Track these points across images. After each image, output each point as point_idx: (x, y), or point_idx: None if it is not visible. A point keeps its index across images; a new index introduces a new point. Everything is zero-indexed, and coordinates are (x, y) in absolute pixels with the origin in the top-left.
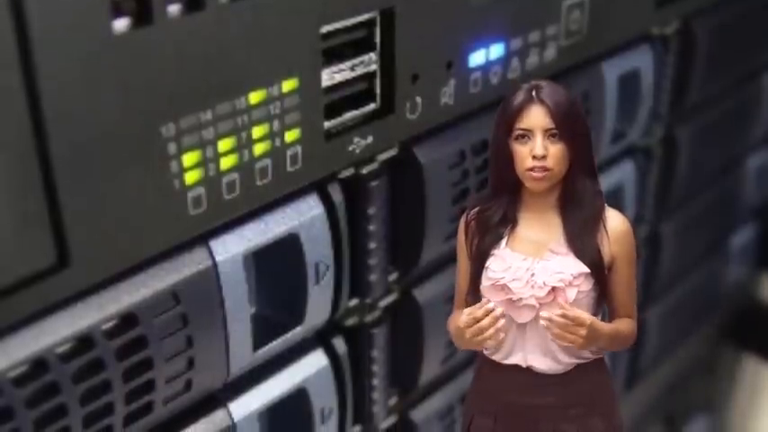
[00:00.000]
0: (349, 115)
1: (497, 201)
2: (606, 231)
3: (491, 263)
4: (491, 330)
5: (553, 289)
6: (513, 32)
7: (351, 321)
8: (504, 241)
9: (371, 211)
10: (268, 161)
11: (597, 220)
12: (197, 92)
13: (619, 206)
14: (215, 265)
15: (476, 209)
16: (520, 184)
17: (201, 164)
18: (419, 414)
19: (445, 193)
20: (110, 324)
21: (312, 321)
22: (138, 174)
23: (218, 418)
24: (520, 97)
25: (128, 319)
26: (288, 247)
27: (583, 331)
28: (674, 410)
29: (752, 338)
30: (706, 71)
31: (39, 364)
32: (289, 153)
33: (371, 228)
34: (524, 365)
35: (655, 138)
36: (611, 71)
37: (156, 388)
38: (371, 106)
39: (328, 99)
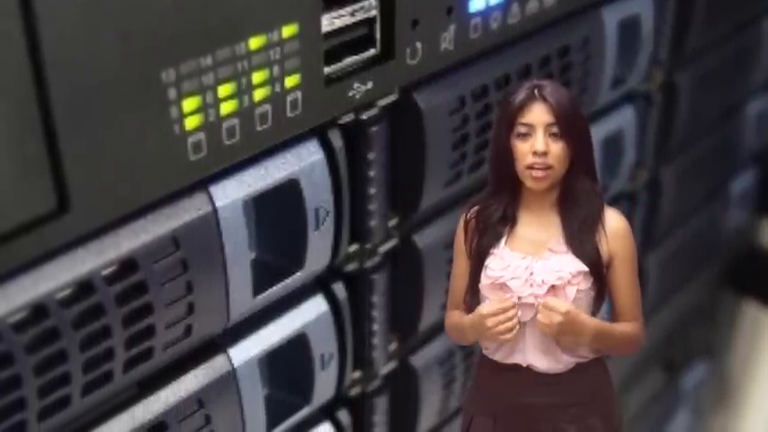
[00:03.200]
0: (349, 61)
1: (497, 199)
2: (604, 230)
3: (490, 262)
4: (515, 320)
5: (552, 287)
6: None
7: (351, 267)
8: (503, 240)
9: (371, 156)
10: (268, 107)
11: (596, 219)
12: (197, 37)
13: (619, 151)
14: (215, 210)
15: (475, 208)
16: (519, 182)
17: (201, 109)
18: (419, 359)
19: (445, 139)
20: (110, 269)
21: (312, 267)
22: (138, 119)
23: (218, 363)
24: (521, 95)
25: (128, 265)
26: (288, 192)
27: (557, 318)
28: (674, 357)
29: (752, 284)
30: (706, 16)
31: (38, 310)
32: (289, 99)
33: (371, 173)
34: (524, 365)
35: (655, 83)
36: (611, 16)
37: (156, 333)
38: (371, 52)
39: (328, 44)
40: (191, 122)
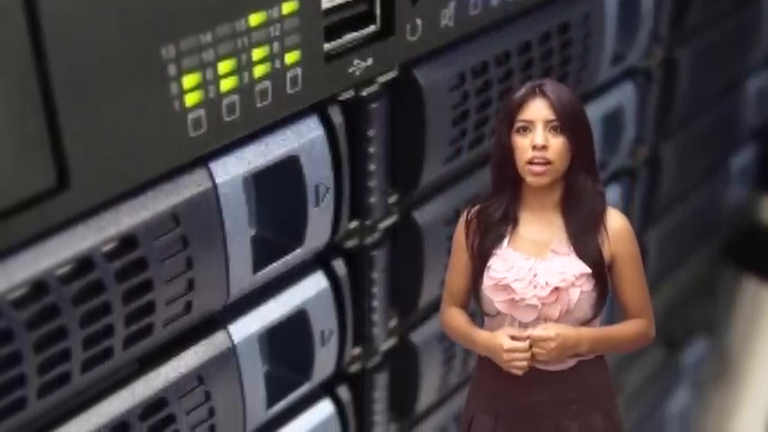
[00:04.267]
0: (349, 37)
1: (498, 198)
2: (606, 231)
3: (493, 262)
4: (529, 361)
5: (556, 289)
6: None
7: (351, 243)
8: (505, 241)
9: (371, 133)
10: (268, 83)
11: (598, 219)
12: (197, 13)
13: (619, 128)
14: (215, 186)
15: (476, 207)
16: (521, 182)
17: (201, 86)
18: (419, 336)
19: (445, 115)
20: (110, 246)
21: (312, 243)
22: (138, 95)
23: (218, 340)
24: (522, 92)
25: (128, 241)
26: (288, 169)
27: (550, 344)
28: (674, 333)
29: (752, 260)
30: None
31: (38, 287)
32: (289, 75)
33: (371, 150)
34: None
35: (655, 60)
36: None
37: (156, 310)
38: (371, 28)
39: (328, 21)
40: (191, 99)
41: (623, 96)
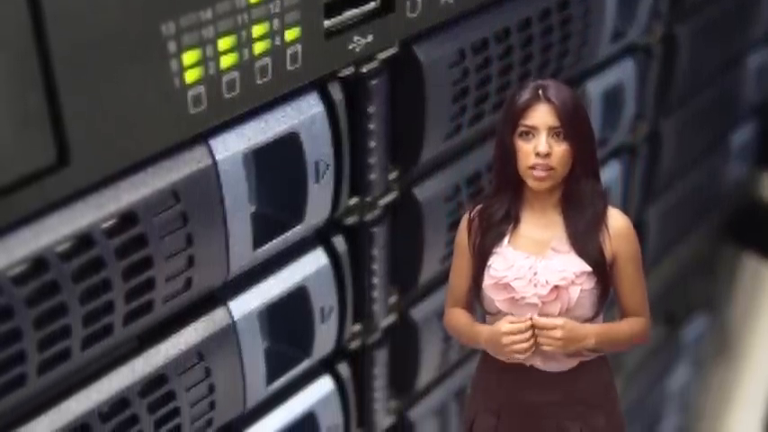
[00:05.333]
0: (349, 14)
1: (500, 198)
2: (608, 230)
3: (493, 261)
4: (532, 342)
5: (556, 287)
6: None
7: (351, 220)
8: (506, 239)
9: (371, 109)
10: (268, 60)
11: (599, 219)
12: None
13: (619, 104)
14: (215, 163)
15: (478, 206)
16: (522, 182)
17: (201, 62)
18: (419, 312)
19: (445, 92)
20: (110, 223)
21: (312, 220)
22: (138, 72)
23: (218, 316)
24: (526, 95)
25: (128, 218)
26: (288, 145)
27: (557, 333)
28: (674, 310)
29: (752, 237)
30: None
31: (38, 263)
32: (289, 52)
33: (371, 126)
34: (527, 364)
35: (655, 36)
36: None
37: (155, 286)
38: (371, 5)
39: None
40: (191, 76)
41: (623, 73)
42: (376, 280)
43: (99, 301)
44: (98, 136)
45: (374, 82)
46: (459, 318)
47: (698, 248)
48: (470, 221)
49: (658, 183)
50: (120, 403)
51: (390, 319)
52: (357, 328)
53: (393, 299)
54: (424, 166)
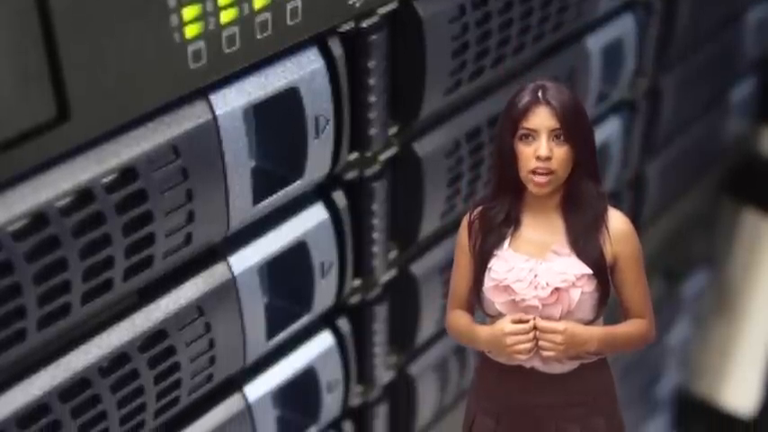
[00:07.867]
0: None
1: (500, 201)
2: (608, 232)
3: (493, 264)
4: (534, 342)
5: (556, 290)
6: None
7: (351, 175)
8: (506, 242)
9: (371, 64)
10: (268, 15)
11: (600, 221)
12: None
13: (619, 60)
14: (215, 118)
15: (479, 209)
16: (523, 184)
17: (201, 17)
18: (419, 268)
19: (445, 47)
20: (110, 178)
21: (312, 175)
22: (137, 27)
23: (218, 272)
24: (525, 97)
25: (128, 173)
26: (288, 100)
27: (558, 338)
28: (674, 265)
29: (751, 192)
30: None
31: (38, 218)
32: (289, 7)
33: (371, 81)
34: (528, 365)
35: None
36: None
37: (155, 242)
38: None
39: None
40: (191, 30)
41: (623, 28)
42: (376, 235)
43: (99, 257)
44: (98, 91)
45: (374, 37)
46: (459, 319)
47: (698, 204)
48: (471, 224)
49: (658, 138)
50: (119, 358)
51: (390, 274)
52: (357, 283)
53: (393, 254)
54: (424, 122)
